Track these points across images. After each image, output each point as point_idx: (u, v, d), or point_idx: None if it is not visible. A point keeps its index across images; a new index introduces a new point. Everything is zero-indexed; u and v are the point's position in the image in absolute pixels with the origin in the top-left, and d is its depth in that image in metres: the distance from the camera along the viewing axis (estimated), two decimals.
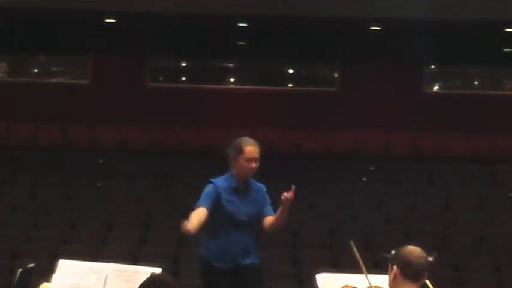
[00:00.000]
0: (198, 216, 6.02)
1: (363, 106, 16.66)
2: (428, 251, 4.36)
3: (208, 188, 6.21)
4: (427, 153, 16.05)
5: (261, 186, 6.43)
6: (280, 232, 12.44)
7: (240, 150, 6.23)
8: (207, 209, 6.10)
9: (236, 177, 6.27)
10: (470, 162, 15.43)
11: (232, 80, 18.29)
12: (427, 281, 4.68)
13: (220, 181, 6.26)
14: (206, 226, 6.21)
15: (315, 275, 5.41)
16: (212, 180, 6.28)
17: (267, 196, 6.43)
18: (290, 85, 18.14)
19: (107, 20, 15.99)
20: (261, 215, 6.36)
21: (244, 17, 15.64)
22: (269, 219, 6.36)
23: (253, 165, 6.25)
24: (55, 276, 5.54)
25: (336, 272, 5.76)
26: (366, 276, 4.72)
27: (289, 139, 16.29)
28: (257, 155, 6.28)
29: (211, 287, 6.37)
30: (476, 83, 18.45)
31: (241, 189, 6.29)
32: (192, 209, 6.11)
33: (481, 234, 12.43)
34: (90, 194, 13.80)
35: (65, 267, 5.57)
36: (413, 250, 4.24)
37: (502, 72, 18.08)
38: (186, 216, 6.24)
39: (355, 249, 4.78)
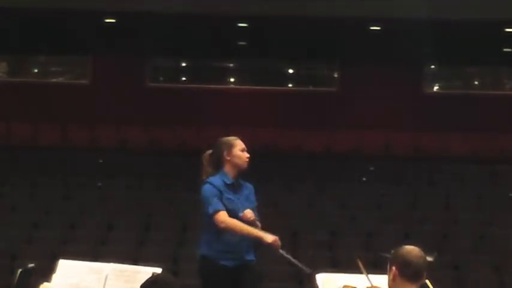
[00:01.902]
0: (240, 223, 6.15)
1: (363, 106, 16.66)
2: (428, 251, 4.36)
3: (210, 189, 6.22)
4: (427, 153, 16.05)
5: (250, 185, 6.48)
6: (280, 232, 12.49)
7: (231, 145, 6.35)
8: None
9: (229, 174, 6.32)
10: (470, 162, 15.43)
11: (232, 80, 18.29)
12: (427, 281, 4.67)
13: (215, 180, 6.28)
14: (208, 226, 6.26)
15: (315, 275, 5.41)
16: (208, 180, 6.30)
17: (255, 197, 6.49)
18: (290, 85, 18.15)
19: (107, 20, 15.99)
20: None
21: (244, 17, 15.64)
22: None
23: (247, 154, 6.36)
24: (55, 276, 5.53)
25: (336, 272, 5.76)
26: (368, 278, 4.73)
27: (289, 139, 16.29)
28: (245, 146, 6.41)
29: (214, 286, 6.37)
30: (476, 83, 18.45)
31: (234, 185, 6.34)
32: (211, 216, 6.11)
33: (481, 234, 12.43)
34: (90, 194, 13.80)
35: (65, 267, 5.57)
36: (412, 250, 4.23)
37: (502, 72, 18.09)
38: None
39: (361, 266, 4.78)
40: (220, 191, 6.22)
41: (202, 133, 16.30)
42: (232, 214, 6.24)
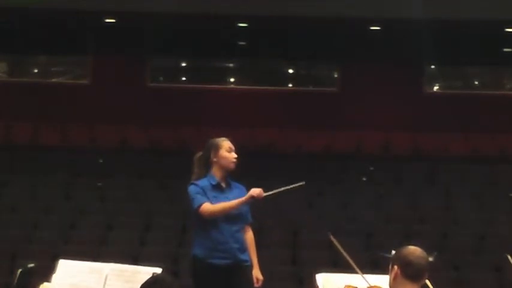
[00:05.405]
0: (221, 203, 6.24)
1: (363, 106, 16.65)
2: (428, 251, 4.37)
3: (193, 188, 6.31)
4: (427, 153, 16.03)
5: (241, 185, 6.52)
6: (280, 232, 12.49)
7: (218, 146, 6.43)
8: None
9: (217, 175, 6.36)
10: (470, 162, 15.42)
11: (232, 80, 18.28)
12: (427, 281, 4.68)
13: (200, 181, 6.33)
14: (198, 225, 6.31)
15: (315, 275, 5.42)
16: (193, 182, 6.36)
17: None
18: (290, 85, 18.13)
19: (107, 20, 15.99)
20: (247, 212, 6.43)
21: (244, 17, 15.64)
22: (248, 236, 6.51)
23: (235, 155, 6.42)
24: (55, 276, 5.54)
25: (336, 272, 5.77)
26: (358, 271, 4.73)
27: (289, 139, 16.29)
28: (233, 147, 6.46)
29: (206, 286, 6.38)
30: (476, 83, 18.44)
31: (222, 186, 6.38)
32: (196, 210, 6.21)
33: (481, 234, 12.43)
34: (90, 194, 13.80)
35: (65, 267, 5.57)
36: (415, 250, 4.25)
37: (502, 72, 18.08)
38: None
39: (336, 242, 4.84)
40: (204, 191, 6.28)
41: (202, 133, 16.28)
42: None
